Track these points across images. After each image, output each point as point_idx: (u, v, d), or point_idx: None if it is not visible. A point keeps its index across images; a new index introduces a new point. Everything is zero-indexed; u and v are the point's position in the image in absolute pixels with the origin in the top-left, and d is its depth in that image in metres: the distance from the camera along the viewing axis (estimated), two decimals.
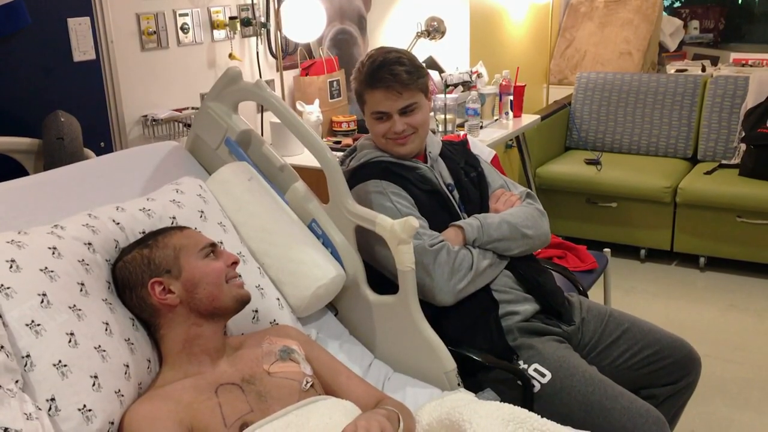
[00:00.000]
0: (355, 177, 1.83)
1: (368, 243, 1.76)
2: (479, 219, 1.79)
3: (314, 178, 1.90)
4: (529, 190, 1.96)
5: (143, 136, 2.57)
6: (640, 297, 3.41)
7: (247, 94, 1.86)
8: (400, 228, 1.58)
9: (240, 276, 1.44)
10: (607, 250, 2.71)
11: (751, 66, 4.48)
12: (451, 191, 1.87)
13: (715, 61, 5.00)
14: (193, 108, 2.67)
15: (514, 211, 1.85)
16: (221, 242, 1.58)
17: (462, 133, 3.00)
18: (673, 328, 1.91)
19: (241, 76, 1.85)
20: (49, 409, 1.14)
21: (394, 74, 1.75)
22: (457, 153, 1.98)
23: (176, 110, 2.63)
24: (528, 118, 3.56)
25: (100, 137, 2.40)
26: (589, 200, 3.83)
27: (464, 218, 1.83)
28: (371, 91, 1.79)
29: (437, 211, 1.81)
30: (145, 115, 2.56)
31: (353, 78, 1.84)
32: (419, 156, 1.89)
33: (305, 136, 1.75)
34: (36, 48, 2.18)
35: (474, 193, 1.91)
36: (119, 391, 1.23)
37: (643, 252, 3.79)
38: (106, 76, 2.42)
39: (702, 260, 3.64)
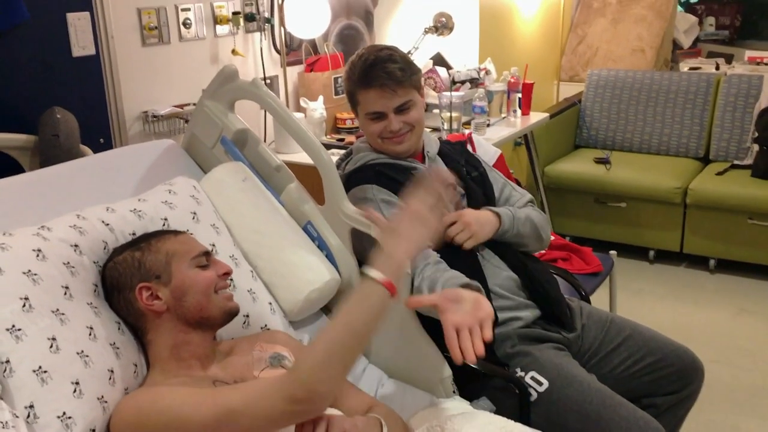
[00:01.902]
0: (350, 181, 1.80)
1: (363, 247, 1.72)
2: (511, 211, 1.81)
3: (316, 177, 1.85)
4: (532, 198, 1.94)
5: (143, 133, 2.55)
6: (648, 299, 3.35)
7: (243, 92, 1.82)
8: None
9: (231, 284, 1.40)
10: (613, 252, 2.66)
11: (765, 64, 4.40)
12: None
13: (729, 59, 4.91)
14: (194, 104, 2.63)
15: (532, 213, 1.88)
16: (213, 245, 1.55)
17: (468, 131, 2.96)
18: (681, 332, 1.88)
19: (237, 74, 1.82)
20: (27, 416, 1.11)
21: (388, 72, 1.72)
22: (457, 152, 1.95)
23: (177, 106, 2.61)
24: (536, 116, 3.50)
25: (100, 133, 2.37)
26: (598, 200, 3.78)
27: None
28: (365, 91, 1.75)
29: None
30: (146, 111, 2.54)
31: (345, 78, 1.81)
32: (417, 155, 1.85)
33: (301, 135, 1.72)
34: (35, 43, 2.16)
35: (477, 191, 1.88)
36: (102, 397, 1.21)
37: (651, 253, 3.73)
38: (105, 71, 2.39)
39: (712, 262, 3.58)
